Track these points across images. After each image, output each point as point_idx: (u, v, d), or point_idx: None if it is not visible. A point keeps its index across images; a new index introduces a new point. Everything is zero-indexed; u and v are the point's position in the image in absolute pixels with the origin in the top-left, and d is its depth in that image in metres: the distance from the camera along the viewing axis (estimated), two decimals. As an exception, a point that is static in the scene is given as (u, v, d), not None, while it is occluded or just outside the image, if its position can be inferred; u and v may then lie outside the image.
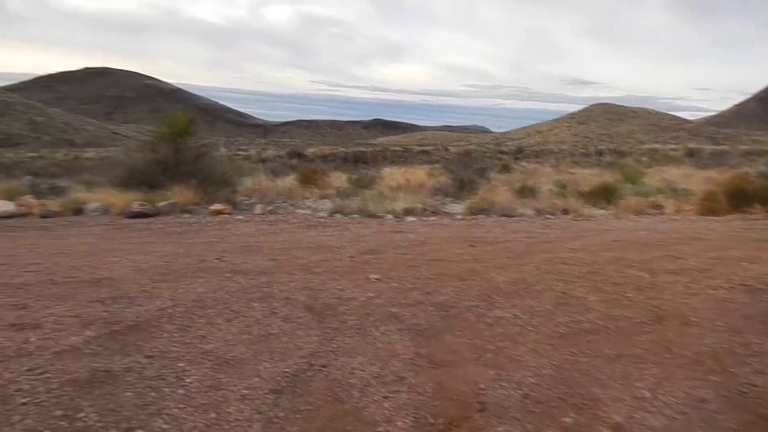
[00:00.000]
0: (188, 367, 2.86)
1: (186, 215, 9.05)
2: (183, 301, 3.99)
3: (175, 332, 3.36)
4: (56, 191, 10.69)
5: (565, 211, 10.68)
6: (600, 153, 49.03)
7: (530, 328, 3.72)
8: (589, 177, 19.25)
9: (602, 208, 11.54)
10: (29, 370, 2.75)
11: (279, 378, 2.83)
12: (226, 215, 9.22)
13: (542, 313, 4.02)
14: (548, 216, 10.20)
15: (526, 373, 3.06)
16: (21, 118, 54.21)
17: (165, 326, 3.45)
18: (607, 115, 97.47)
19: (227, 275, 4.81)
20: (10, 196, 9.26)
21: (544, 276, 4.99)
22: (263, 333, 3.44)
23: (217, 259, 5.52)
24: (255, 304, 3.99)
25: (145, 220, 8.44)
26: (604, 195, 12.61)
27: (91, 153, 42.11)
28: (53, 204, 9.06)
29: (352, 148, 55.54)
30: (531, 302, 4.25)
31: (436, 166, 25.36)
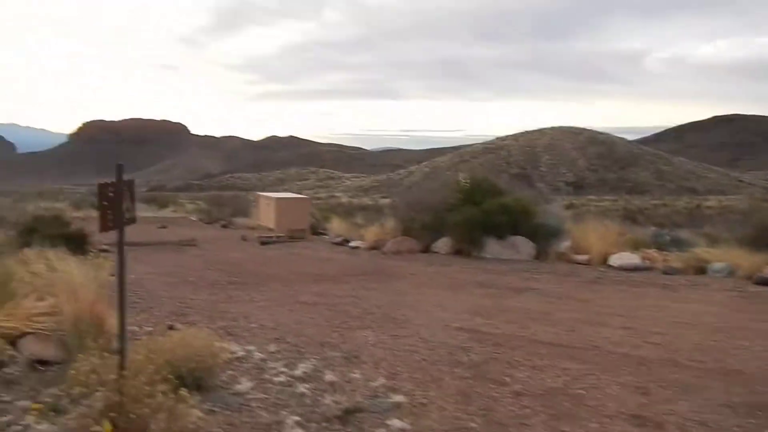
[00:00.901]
0: None
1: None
2: None
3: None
4: (677, 243, 10.37)
5: None
6: None
7: None
8: None
9: None
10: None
11: None
12: None
13: None
14: None
15: None
16: (648, 168, 57.77)
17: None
18: None
19: None
20: (635, 247, 9.50)
21: None
22: None
23: None
24: None
25: (779, 291, 7.06)
26: None
27: (712, 201, 40.69)
28: (675, 259, 8.76)
29: None
30: None
31: None
